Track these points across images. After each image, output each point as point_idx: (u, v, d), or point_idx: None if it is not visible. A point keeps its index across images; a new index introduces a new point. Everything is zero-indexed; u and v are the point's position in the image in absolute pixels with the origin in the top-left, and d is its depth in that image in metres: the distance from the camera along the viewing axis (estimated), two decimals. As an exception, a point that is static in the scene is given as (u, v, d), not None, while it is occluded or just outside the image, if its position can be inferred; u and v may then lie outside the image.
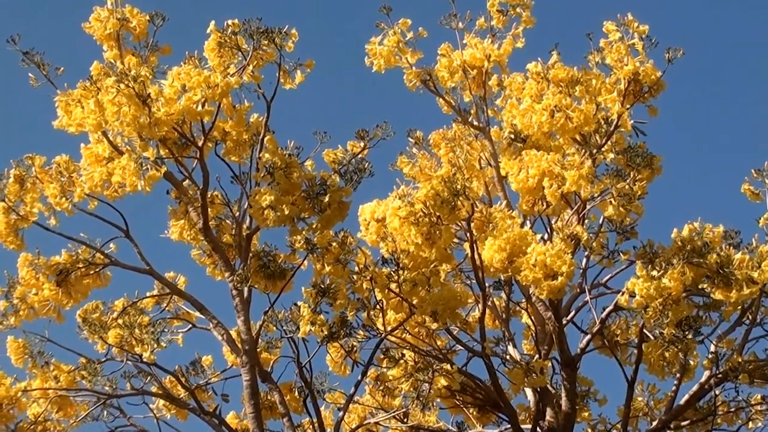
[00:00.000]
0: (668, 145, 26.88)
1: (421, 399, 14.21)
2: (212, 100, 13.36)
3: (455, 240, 14.33)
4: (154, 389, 14.60)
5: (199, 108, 13.29)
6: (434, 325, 14.29)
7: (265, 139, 14.41)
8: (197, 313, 14.93)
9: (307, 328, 13.73)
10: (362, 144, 14.66)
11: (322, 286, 13.93)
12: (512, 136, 15.04)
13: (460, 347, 14.98)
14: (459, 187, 13.44)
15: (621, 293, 13.96)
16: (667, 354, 14.49)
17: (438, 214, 13.55)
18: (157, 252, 15.10)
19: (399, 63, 15.12)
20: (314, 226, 14.22)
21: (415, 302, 13.92)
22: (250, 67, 13.76)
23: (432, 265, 13.99)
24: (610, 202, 13.87)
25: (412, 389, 14.33)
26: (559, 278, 13.21)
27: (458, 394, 15.53)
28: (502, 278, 15.03)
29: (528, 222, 15.11)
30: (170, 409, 15.45)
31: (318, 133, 14.50)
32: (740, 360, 14.48)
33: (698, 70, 31.02)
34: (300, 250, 14.16)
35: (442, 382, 14.61)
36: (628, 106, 14.34)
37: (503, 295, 15.69)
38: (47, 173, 14.20)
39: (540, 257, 13.24)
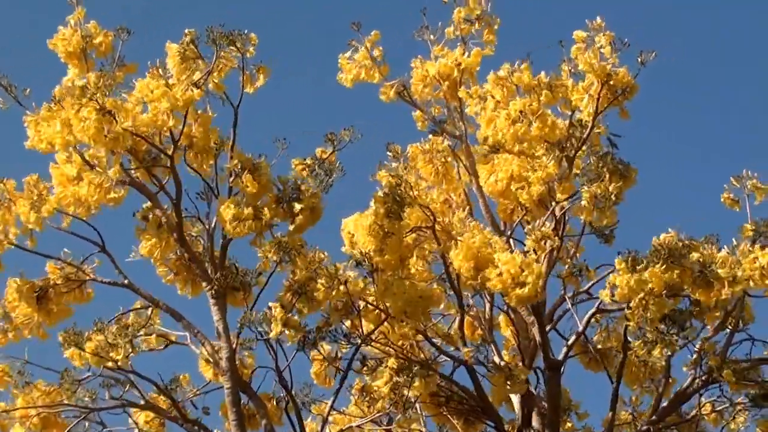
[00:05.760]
0: (646, 151, 26.97)
1: (402, 402, 14.22)
2: (176, 110, 13.51)
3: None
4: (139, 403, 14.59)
5: (165, 118, 13.43)
6: (407, 328, 14.26)
7: (233, 146, 14.42)
8: (176, 332, 14.99)
9: (279, 328, 13.70)
10: (330, 149, 14.77)
11: (297, 288, 13.94)
12: (487, 147, 15.10)
13: (445, 359, 14.99)
14: (405, 197, 13.50)
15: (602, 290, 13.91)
16: (652, 352, 14.43)
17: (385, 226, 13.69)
18: (137, 268, 15.09)
19: (368, 78, 15.21)
20: (286, 234, 14.30)
21: (388, 305, 13.94)
22: (215, 74, 13.90)
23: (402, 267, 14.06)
24: (584, 204, 13.90)
25: (392, 393, 14.34)
26: (527, 288, 13.21)
27: (443, 402, 15.52)
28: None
29: (508, 230, 15.15)
30: (152, 425, 15.43)
31: (278, 141, 14.59)
32: (722, 360, 14.52)
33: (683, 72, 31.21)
34: (271, 259, 14.18)
35: (421, 381, 14.60)
36: (602, 108, 14.37)
37: (486, 303, 15.69)
38: (20, 196, 14.29)
39: (506, 266, 13.24)
